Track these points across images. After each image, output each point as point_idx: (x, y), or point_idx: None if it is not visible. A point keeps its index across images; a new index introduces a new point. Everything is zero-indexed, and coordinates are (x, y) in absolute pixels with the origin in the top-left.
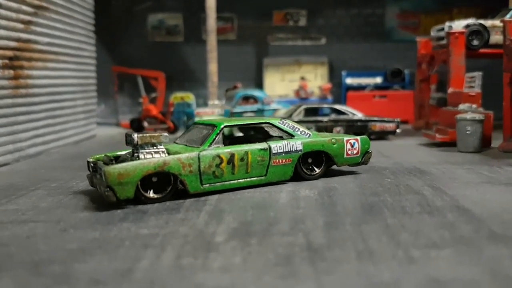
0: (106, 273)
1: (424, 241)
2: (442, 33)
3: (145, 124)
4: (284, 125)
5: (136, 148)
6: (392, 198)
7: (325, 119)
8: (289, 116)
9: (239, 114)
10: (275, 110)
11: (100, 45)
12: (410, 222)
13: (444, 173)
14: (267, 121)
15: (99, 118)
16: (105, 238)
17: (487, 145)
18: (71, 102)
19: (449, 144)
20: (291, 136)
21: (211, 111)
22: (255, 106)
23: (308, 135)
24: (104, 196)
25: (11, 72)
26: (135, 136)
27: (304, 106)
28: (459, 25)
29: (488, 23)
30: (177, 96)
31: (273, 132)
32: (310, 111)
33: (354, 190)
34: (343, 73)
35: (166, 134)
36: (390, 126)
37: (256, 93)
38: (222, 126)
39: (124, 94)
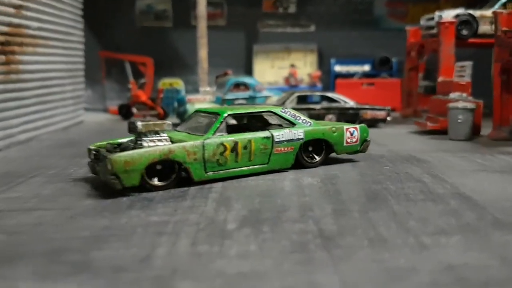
0: (125, 260)
1: (433, 228)
2: (431, 23)
3: (134, 110)
4: (286, 113)
5: (139, 136)
6: (394, 186)
7: (318, 106)
8: (282, 103)
9: (231, 101)
10: (266, 97)
11: (87, 30)
12: (415, 209)
13: (440, 161)
14: (269, 110)
15: (85, 104)
16: (116, 225)
17: (476, 133)
18: (59, 88)
19: (440, 132)
20: (292, 124)
21: (203, 98)
22: (247, 93)
23: (309, 123)
24: (109, 184)
25: (3, 57)
26: (139, 123)
27: (297, 94)
28: (448, 14)
29: (477, 13)
30: (166, 82)
31: (272, 120)
32: (302, 99)
33: (356, 178)
34: (332, 60)
35: (169, 122)
36: (381, 114)
37: (248, 80)
38: (225, 114)
39: (112, 79)
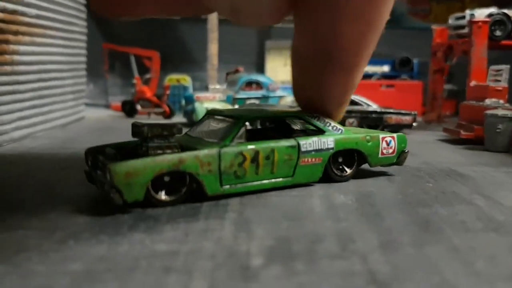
0: None
1: (507, 271)
2: (462, 22)
3: (138, 107)
4: (315, 118)
5: (145, 141)
6: (445, 210)
7: None
8: None
9: (242, 100)
10: (280, 97)
11: (90, 20)
12: (478, 243)
13: (485, 178)
14: (297, 114)
15: (87, 99)
16: (114, 256)
17: None
18: (59, 82)
19: (473, 142)
20: (321, 131)
21: (212, 96)
22: (260, 92)
23: (340, 130)
24: (108, 197)
25: None
26: (145, 127)
27: None
28: (481, 13)
29: (511, 12)
30: (173, 78)
31: (295, 125)
32: None
33: (396, 197)
34: None
35: (180, 126)
36: (406, 119)
37: (261, 78)
38: (246, 119)
39: (115, 74)
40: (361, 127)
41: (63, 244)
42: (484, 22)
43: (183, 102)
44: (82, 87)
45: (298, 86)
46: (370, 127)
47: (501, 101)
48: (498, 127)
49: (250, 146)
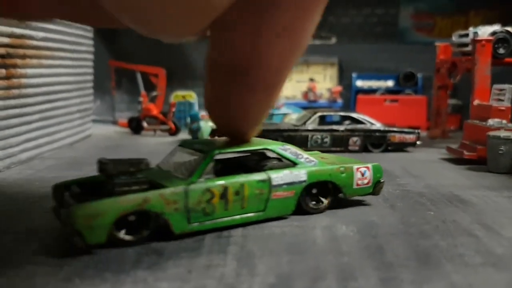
0: None
1: None
2: (465, 39)
3: (144, 124)
4: (286, 151)
5: (110, 178)
6: (445, 242)
7: (341, 128)
8: (302, 123)
9: None
10: (285, 114)
11: (97, 38)
12: (477, 279)
13: (487, 203)
14: (267, 147)
15: (94, 115)
16: None
17: None
18: (66, 101)
19: (476, 162)
20: (293, 164)
21: None
22: None
23: (314, 162)
24: (69, 240)
25: (3, 71)
26: (110, 164)
27: (319, 114)
28: (485, 31)
29: None
30: (179, 95)
31: (271, 153)
32: (325, 119)
33: (398, 227)
34: (354, 75)
35: (147, 160)
36: (410, 137)
37: None
38: (214, 154)
39: (122, 90)
40: (365, 146)
41: (69, 282)
42: (488, 40)
43: (189, 120)
44: (89, 105)
45: (212, 102)
46: (373, 145)
47: (504, 121)
48: (500, 148)
49: (219, 182)
